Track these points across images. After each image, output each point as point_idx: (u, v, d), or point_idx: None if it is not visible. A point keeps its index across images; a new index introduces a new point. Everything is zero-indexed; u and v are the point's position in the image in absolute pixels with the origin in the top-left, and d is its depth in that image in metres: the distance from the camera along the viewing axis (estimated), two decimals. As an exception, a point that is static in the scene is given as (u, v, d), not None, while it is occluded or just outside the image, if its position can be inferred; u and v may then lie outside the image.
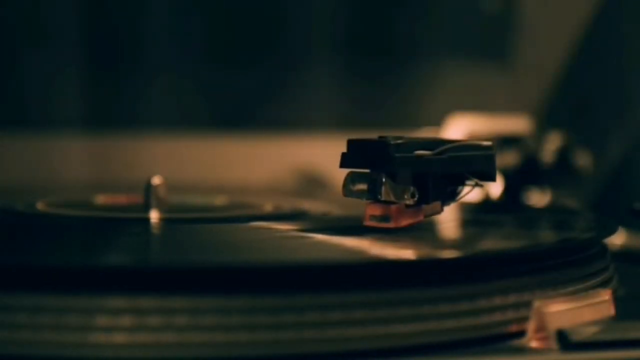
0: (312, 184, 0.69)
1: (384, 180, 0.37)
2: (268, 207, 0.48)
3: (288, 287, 0.30)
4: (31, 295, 0.29)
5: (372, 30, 0.75)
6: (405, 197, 0.37)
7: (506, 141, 0.60)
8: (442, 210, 0.39)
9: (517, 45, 0.76)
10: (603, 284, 0.37)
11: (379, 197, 0.37)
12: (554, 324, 0.32)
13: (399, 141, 0.37)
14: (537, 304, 0.32)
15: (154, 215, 0.44)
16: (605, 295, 0.34)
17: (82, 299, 0.29)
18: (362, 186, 0.37)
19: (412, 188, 0.37)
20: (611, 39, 0.72)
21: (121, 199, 0.52)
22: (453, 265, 0.33)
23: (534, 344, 0.32)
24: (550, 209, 0.55)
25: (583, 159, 0.59)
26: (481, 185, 0.39)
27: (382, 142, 0.37)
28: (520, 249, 0.36)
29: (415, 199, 0.37)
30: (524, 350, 0.31)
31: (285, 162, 0.71)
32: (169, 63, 0.72)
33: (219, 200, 0.52)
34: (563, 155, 0.59)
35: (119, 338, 0.29)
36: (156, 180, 0.45)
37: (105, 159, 0.70)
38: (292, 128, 0.73)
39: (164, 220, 0.43)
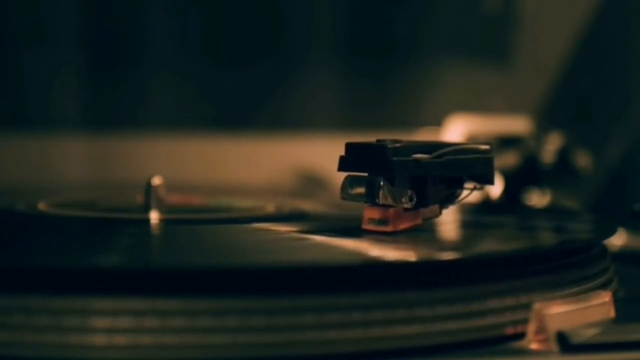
0: (312, 184, 0.69)
1: (382, 184, 0.37)
2: (268, 208, 0.48)
3: (286, 288, 0.30)
4: (29, 295, 0.29)
5: (372, 30, 0.75)
6: (404, 200, 0.37)
7: (506, 142, 0.60)
8: (440, 213, 0.39)
9: (517, 45, 0.75)
10: (603, 286, 0.37)
11: (377, 200, 0.37)
12: (554, 326, 0.32)
13: (397, 145, 0.37)
14: (537, 305, 0.32)
15: (154, 216, 0.44)
16: (606, 297, 0.34)
17: (81, 300, 0.29)
18: (360, 190, 0.37)
19: (410, 192, 0.37)
20: (611, 39, 0.72)
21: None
22: (453, 267, 0.33)
23: (534, 345, 0.32)
24: (550, 210, 0.55)
25: (583, 159, 0.59)
26: (480, 189, 0.39)
27: (380, 145, 0.37)
28: (520, 250, 0.36)
29: (414, 202, 0.37)
30: (524, 352, 0.31)
31: (285, 162, 0.71)
32: (169, 63, 0.72)
33: (219, 201, 0.52)
34: (563, 155, 0.59)
35: (117, 339, 0.29)
36: (156, 180, 0.45)
37: (105, 159, 0.70)
38: (292, 128, 0.73)
39: (164, 221, 0.43)
